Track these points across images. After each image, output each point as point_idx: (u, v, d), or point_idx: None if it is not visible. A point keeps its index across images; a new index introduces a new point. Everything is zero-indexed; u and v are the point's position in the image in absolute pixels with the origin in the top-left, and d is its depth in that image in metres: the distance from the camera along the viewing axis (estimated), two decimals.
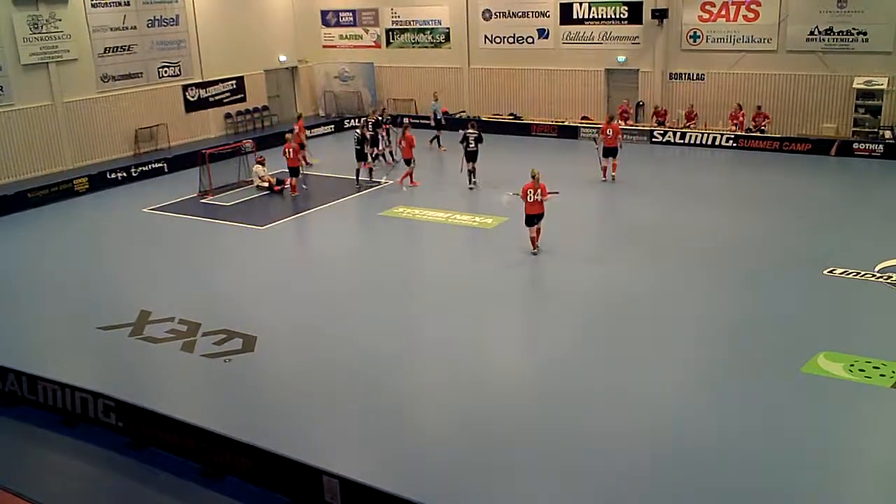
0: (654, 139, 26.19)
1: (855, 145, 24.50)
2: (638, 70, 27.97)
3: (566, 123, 27.77)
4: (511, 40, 29.55)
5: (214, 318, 12.09)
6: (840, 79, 25.23)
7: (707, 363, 10.29)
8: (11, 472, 8.39)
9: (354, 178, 20.73)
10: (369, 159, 21.18)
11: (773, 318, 11.55)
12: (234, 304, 12.94)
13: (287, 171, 20.08)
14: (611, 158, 20.40)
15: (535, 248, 14.79)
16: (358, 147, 20.64)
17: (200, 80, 27.91)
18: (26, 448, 9.07)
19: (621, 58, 27.94)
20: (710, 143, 25.84)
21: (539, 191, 14.33)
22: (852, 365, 9.74)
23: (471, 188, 19.95)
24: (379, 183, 20.76)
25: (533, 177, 14.36)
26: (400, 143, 20.81)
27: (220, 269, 14.90)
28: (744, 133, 25.27)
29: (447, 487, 7.61)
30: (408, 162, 20.20)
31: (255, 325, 11.79)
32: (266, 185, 20.55)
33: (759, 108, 25.43)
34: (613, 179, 20.40)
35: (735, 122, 25.60)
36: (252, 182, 21.04)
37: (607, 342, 11.00)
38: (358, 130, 21.39)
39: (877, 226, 16.28)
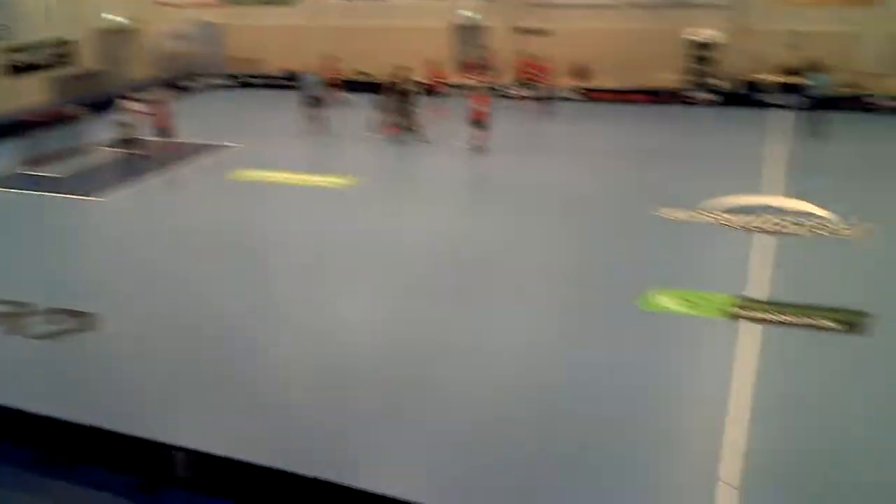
0: (505, 95, 26.25)
1: (690, 94, 25.81)
2: (484, 25, 28.14)
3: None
4: None
5: (47, 297, 11.22)
6: (674, 31, 26.37)
7: (549, 309, 10.57)
8: None
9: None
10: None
11: (611, 258, 12.04)
12: (68, 281, 12.09)
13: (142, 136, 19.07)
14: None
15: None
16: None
17: (20, 44, 25.64)
18: None
19: (467, 12, 27.98)
20: (556, 96, 26.40)
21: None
22: (684, 298, 10.29)
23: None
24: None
25: None
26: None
27: (51, 244, 13.84)
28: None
29: (302, 454, 7.43)
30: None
31: (94, 303, 11.01)
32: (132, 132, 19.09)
33: (534, 58, 25.05)
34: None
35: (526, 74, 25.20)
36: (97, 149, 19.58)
37: (448, 295, 11.05)
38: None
39: (704, 168, 17.30)
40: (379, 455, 7.35)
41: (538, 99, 24.50)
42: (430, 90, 23.87)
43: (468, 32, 28.49)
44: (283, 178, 17.11)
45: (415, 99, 20.87)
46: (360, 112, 22.68)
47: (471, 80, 25.83)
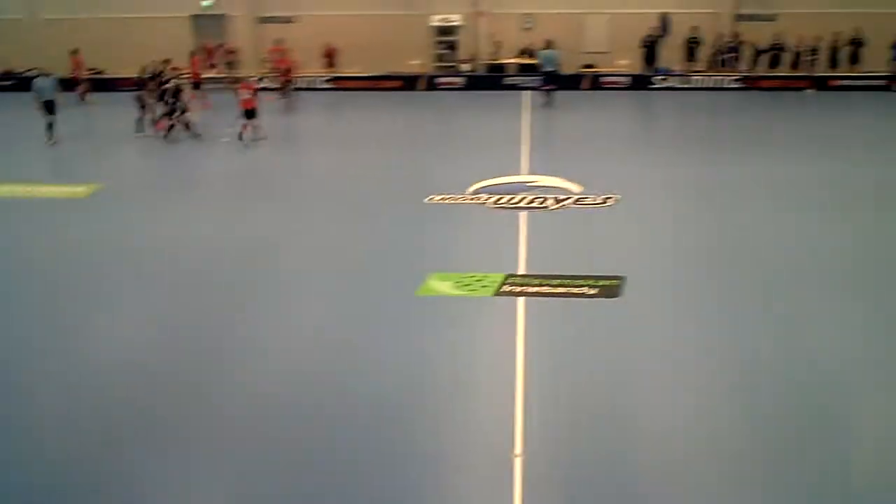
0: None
1: (438, 79, 26.41)
2: (226, 14, 26.92)
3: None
4: None
5: None
6: (419, 17, 26.86)
7: (328, 299, 10.20)
8: None
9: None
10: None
11: (386, 249, 11.88)
12: None
13: None
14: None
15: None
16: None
17: None
18: None
19: (206, 2, 26.60)
20: (307, 85, 25.92)
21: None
22: (458, 281, 10.37)
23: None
24: None
25: None
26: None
27: None
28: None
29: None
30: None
31: None
32: None
33: (279, 47, 24.52)
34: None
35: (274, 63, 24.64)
36: None
37: (217, 292, 10.32)
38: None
39: (463, 153, 17.73)
40: (155, 466, 6.58)
41: (286, 89, 23.85)
42: (194, 83, 22.51)
43: (209, 22, 27.09)
44: (4, 192, 15.12)
45: (180, 93, 19.43)
46: (121, 111, 20.76)
47: (218, 73, 24.63)
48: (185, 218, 13.83)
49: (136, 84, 20.12)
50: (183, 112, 19.26)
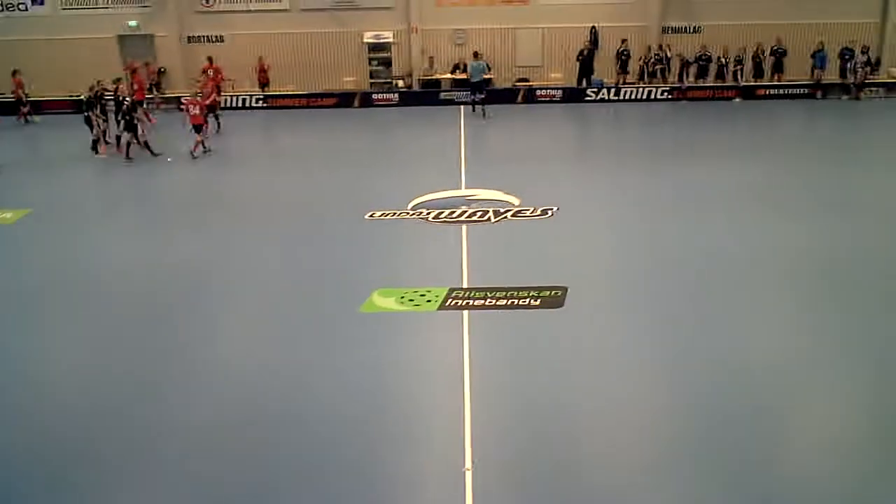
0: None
1: (374, 96, 26.35)
2: (153, 35, 26.42)
3: (81, 97, 25.09)
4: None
5: None
6: (352, 34, 26.79)
7: (270, 320, 10.01)
8: None
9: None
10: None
11: (328, 267, 11.72)
12: None
13: None
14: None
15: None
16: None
17: None
18: None
19: (133, 22, 26.08)
20: (240, 104, 25.63)
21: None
22: (402, 297, 10.29)
23: None
24: None
25: None
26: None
27: None
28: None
29: None
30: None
31: None
32: None
33: (212, 67, 24.38)
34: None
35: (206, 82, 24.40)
36: None
37: (149, 319, 10.02)
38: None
39: (402, 169, 17.70)
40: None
41: (217, 107, 23.46)
42: (138, 101, 21.96)
43: (136, 42, 26.56)
44: None
45: (131, 111, 18.97)
46: (58, 133, 20.18)
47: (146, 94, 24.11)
48: (114, 241, 13.40)
49: (86, 104, 19.60)
50: (134, 130, 18.96)
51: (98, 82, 19.94)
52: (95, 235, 13.78)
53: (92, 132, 19.77)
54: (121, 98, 19.03)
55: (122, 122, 19.02)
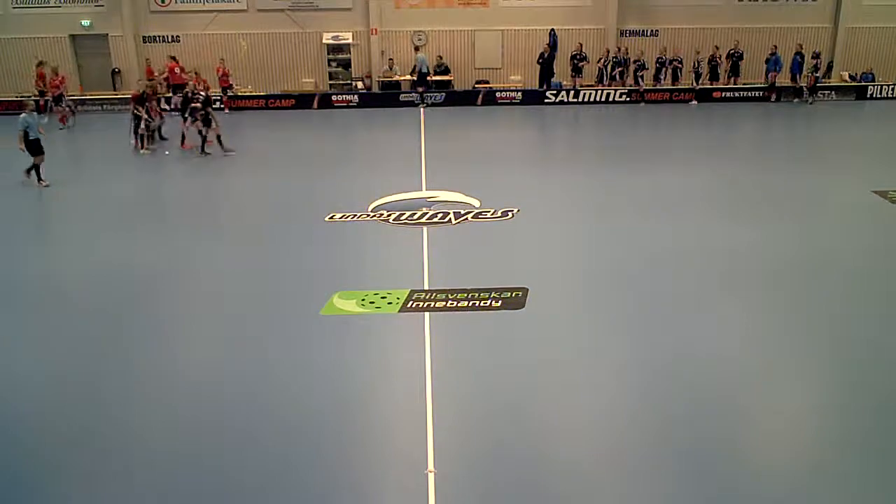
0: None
1: (333, 97, 26.20)
2: (107, 34, 25.94)
3: (32, 98, 24.53)
4: None
5: None
6: (311, 35, 26.62)
7: (229, 323, 9.84)
8: None
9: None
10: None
11: (288, 269, 11.58)
12: None
13: None
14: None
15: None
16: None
17: None
18: None
19: (86, 22, 25.57)
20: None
21: None
22: (363, 299, 10.21)
23: None
24: None
25: None
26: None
27: None
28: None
29: None
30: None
31: None
32: None
33: (174, 66, 24.34)
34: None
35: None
36: None
37: (103, 326, 9.79)
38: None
39: (361, 171, 17.61)
40: None
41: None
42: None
43: (90, 42, 26.04)
44: None
45: (208, 105, 18.98)
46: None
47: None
48: (63, 246, 13.11)
49: (135, 100, 19.41)
50: (207, 126, 19.02)
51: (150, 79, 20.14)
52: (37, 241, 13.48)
53: (139, 128, 19.73)
54: (190, 94, 19.08)
55: (191, 118, 19.01)
